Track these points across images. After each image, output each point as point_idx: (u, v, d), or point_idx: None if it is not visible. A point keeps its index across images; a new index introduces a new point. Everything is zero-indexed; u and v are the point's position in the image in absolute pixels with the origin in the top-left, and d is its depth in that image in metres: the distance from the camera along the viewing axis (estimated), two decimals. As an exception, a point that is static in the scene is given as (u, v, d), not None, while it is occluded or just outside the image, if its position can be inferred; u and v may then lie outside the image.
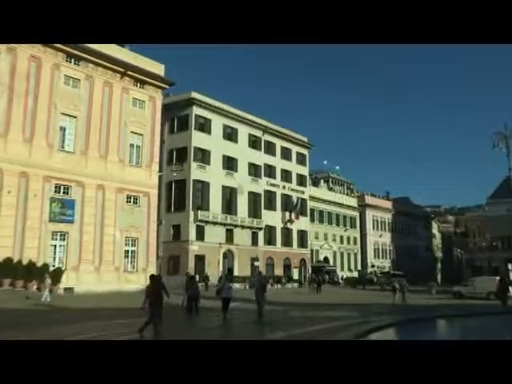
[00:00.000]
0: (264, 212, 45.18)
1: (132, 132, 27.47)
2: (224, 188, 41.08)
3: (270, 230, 45.86)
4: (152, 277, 9.47)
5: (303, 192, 51.42)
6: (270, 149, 47.71)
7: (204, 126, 40.05)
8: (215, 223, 39.13)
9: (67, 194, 23.31)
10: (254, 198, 44.46)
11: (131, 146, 27.41)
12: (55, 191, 22.85)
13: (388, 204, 70.76)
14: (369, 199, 67.45)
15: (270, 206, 46.61)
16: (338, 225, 59.29)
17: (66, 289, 22.19)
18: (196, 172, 38.57)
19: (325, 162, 65.91)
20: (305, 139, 53.26)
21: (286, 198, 48.79)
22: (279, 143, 49.04)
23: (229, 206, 41.44)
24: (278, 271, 42.00)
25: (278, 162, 48.50)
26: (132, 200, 27.27)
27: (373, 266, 63.30)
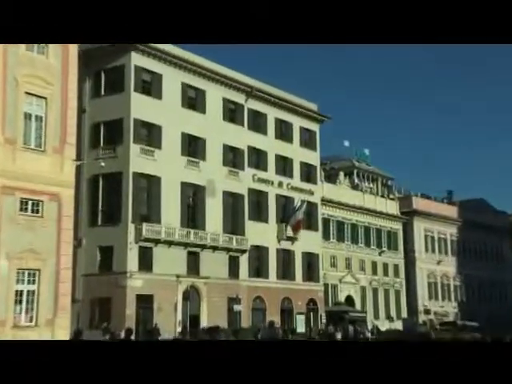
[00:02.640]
0: (249, 224, 45.55)
1: (28, 94, 24.27)
2: (184, 186, 41.32)
3: (258, 254, 46.40)
4: None
5: (311, 192, 52.01)
6: (257, 123, 48.19)
7: (151, 86, 40.11)
8: (170, 243, 39.27)
9: None
10: (232, 201, 44.92)
11: (27, 117, 24.31)
12: None
13: (451, 210, 71.43)
14: (419, 203, 68.24)
15: (259, 214, 47.14)
16: (367, 244, 60.24)
17: None
18: (138, 161, 38.64)
19: (346, 144, 66.38)
20: (313, 107, 53.86)
21: (285, 202, 49.45)
22: (273, 114, 49.48)
23: (192, 215, 41.88)
24: (273, 319, 37.97)
25: (272, 145, 48.96)
26: (30, 207, 24.32)
27: (427, 311, 64.14)
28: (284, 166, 49.94)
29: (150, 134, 39.73)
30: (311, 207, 51.59)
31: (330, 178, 61.47)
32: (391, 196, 67.52)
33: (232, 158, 45.51)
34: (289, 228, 48.07)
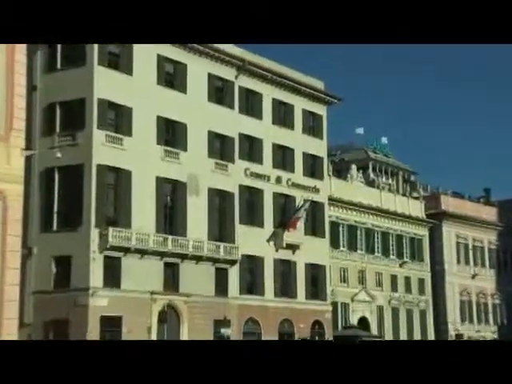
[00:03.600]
0: (240, 229, 45.59)
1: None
2: (161, 183, 41.28)
3: (251, 265, 46.51)
4: None
5: (317, 189, 52.10)
6: (251, 105, 48.24)
7: (119, 59, 40.09)
8: (143, 253, 39.19)
9: None
10: (219, 201, 45.02)
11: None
12: None
13: (488, 212, 71.79)
14: (449, 203, 68.57)
15: (253, 217, 47.23)
16: (386, 254, 60.43)
17: None
18: (103, 150, 38.53)
19: (359, 131, 66.39)
20: (319, 85, 53.85)
21: (284, 202, 49.64)
22: (269, 93, 49.44)
23: (171, 217, 41.89)
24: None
25: (268, 132, 49.00)
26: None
27: (459, 336, 64.14)
28: (283, 157, 50.01)
29: (119, 118, 39.66)
30: (316, 208, 51.63)
31: (340, 172, 61.56)
32: (415, 194, 67.61)
33: (219, 147, 45.48)
34: (287, 233, 48.20)
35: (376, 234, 59.45)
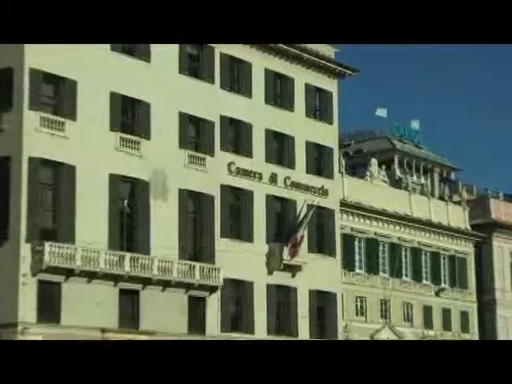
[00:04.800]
0: (223, 245, 45.67)
1: None
2: (115, 181, 41.37)
3: (237, 293, 46.67)
4: None
5: (325, 191, 52.16)
6: (237, 78, 48.45)
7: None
8: (91, 276, 39.16)
9: None
10: (194, 207, 45.24)
11: None
12: None
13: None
14: (500, 209, 69.23)
15: (239, 228, 47.44)
16: (417, 278, 60.64)
17: None
18: (38, 138, 38.56)
19: (381, 113, 66.16)
20: (329, 52, 54.00)
21: (282, 208, 49.87)
22: (261, 63, 49.52)
23: (129, 228, 42.02)
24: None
25: (260, 113, 49.06)
26: None
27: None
28: (280, 148, 50.11)
29: (59, 95, 39.67)
30: (324, 216, 51.77)
31: (356, 168, 61.51)
32: (456, 198, 67.70)
33: (194, 135, 45.56)
34: (285, 250, 48.24)
35: (404, 252, 59.62)
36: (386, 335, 56.70)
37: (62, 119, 39.46)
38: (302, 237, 48.72)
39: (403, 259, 59.54)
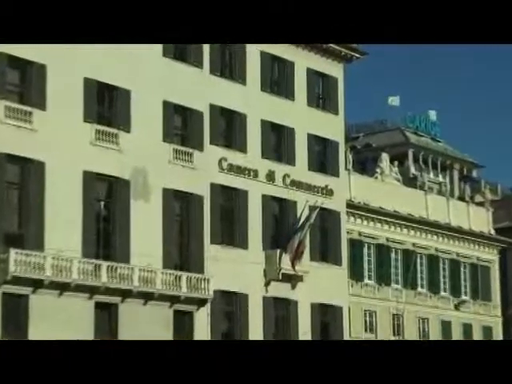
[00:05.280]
0: (213, 252, 45.79)
1: None
2: (90, 180, 41.39)
3: (229, 307, 46.88)
4: None
5: (329, 191, 52.34)
6: (228, 60, 48.60)
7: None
8: (63, 288, 39.18)
9: None
10: (180, 209, 45.47)
11: None
12: None
13: None
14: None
15: (232, 233, 47.57)
16: (434, 289, 60.78)
17: None
18: (0, 129, 38.32)
19: (394, 102, 66.08)
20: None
21: (280, 209, 50.16)
22: (256, 44, 49.29)
23: (106, 234, 42.20)
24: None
25: (255, 102, 49.16)
26: None
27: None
28: (278, 142, 50.33)
29: (26, 82, 39.75)
30: (329, 219, 52.00)
31: (365, 164, 61.55)
32: (478, 199, 67.72)
33: (181, 126, 45.76)
34: (285, 258, 48.30)
35: (419, 260, 59.70)
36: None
37: (29, 109, 39.45)
38: (304, 243, 48.73)
39: (418, 268, 59.67)
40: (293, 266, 48.34)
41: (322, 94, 53.47)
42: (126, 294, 41.32)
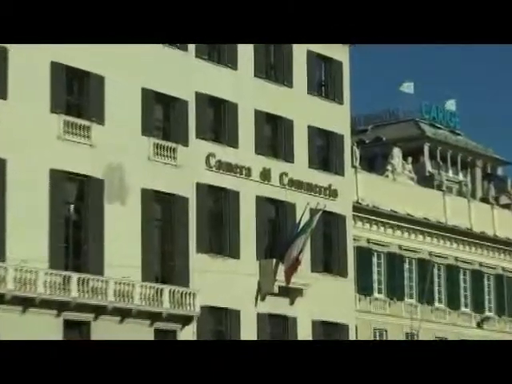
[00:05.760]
0: (200, 261, 45.86)
1: None
2: (58, 180, 41.38)
3: (219, 325, 47.01)
4: None
5: (333, 192, 52.42)
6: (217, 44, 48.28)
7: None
8: (28, 303, 38.98)
9: None
10: (162, 212, 45.61)
11: None
12: None
13: None
14: None
15: (220, 240, 47.67)
16: (454, 305, 60.88)
17: None
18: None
19: (407, 89, 65.92)
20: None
21: (277, 213, 50.28)
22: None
23: (75, 241, 42.22)
24: None
25: (247, 90, 49.21)
26: None
27: None
28: (274, 135, 50.44)
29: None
30: (333, 224, 52.12)
31: (374, 161, 61.48)
32: (504, 200, 67.71)
33: (163, 118, 45.88)
34: (282, 269, 48.28)
35: (437, 271, 59.74)
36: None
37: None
38: (303, 251, 48.64)
39: (436, 280, 59.76)
40: (287, 278, 48.37)
41: (324, 80, 53.62)
42: (99, 311, 41.23)
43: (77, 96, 42.75)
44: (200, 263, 45.65)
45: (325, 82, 53.65)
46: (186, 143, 45.92)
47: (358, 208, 54.54)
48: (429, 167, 68.16)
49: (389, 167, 60.09)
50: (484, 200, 66.92)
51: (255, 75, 49.69)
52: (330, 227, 51.92)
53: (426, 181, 63.53)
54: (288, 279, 48.33)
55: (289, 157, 50.75)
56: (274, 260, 48.52)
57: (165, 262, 44.99)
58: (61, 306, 40.06)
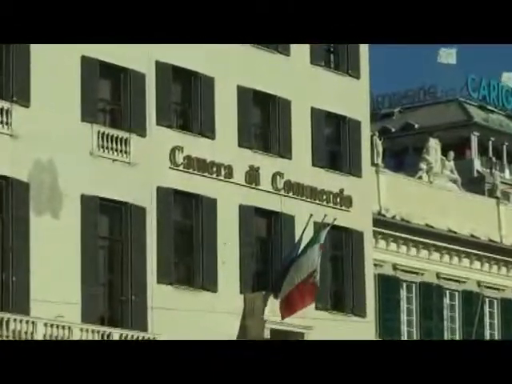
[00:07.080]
0: (162, 295, 46.14)
1: None
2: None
3: None
4: None
5: (346, 199, 52.97)
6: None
7: None
8: None
9: None
10: (111, 227, 45.87)
11: None
12: None
13: None
14: None
15: (191, 267, 48.05)
16: None
17: None
18: None
19: (448, 59, 66.44)
20: None
21: (270, 230, 50.91)
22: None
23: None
24: None
25: (230, 59, 49.44)
26: None
27: None
28: (265, 121, 51.15)
29: None
30: (344, 243, 52.72)
31: (402, 157, 61.92)
32: None
33: (110, 98, 46.48)
34: (275, 305, 48.55)
35: (488, 307, 60.38)
36: None
37: None
38: (317, 270, 48.69)
39: (487, 319, 60.34)
40: (285, 315, 48.76)
41: (333, 46, 53.98)
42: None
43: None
44: (162, 298, 45.88)
45: (334, 49, 54.15)
46: (142, 132, 46.24)
47: (380, 222, 55.08)
48: (477, 166, 68.60)
49: (423, 165, 60.35)
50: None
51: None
52: (341, 248, 52.61)
53: (473, 184, 63.92)
54: (288, 315, 48.75)
55: (285, 151, 51.19)
56: (264, 293, 48.94)
57: (113, 297, 45.22)
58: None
